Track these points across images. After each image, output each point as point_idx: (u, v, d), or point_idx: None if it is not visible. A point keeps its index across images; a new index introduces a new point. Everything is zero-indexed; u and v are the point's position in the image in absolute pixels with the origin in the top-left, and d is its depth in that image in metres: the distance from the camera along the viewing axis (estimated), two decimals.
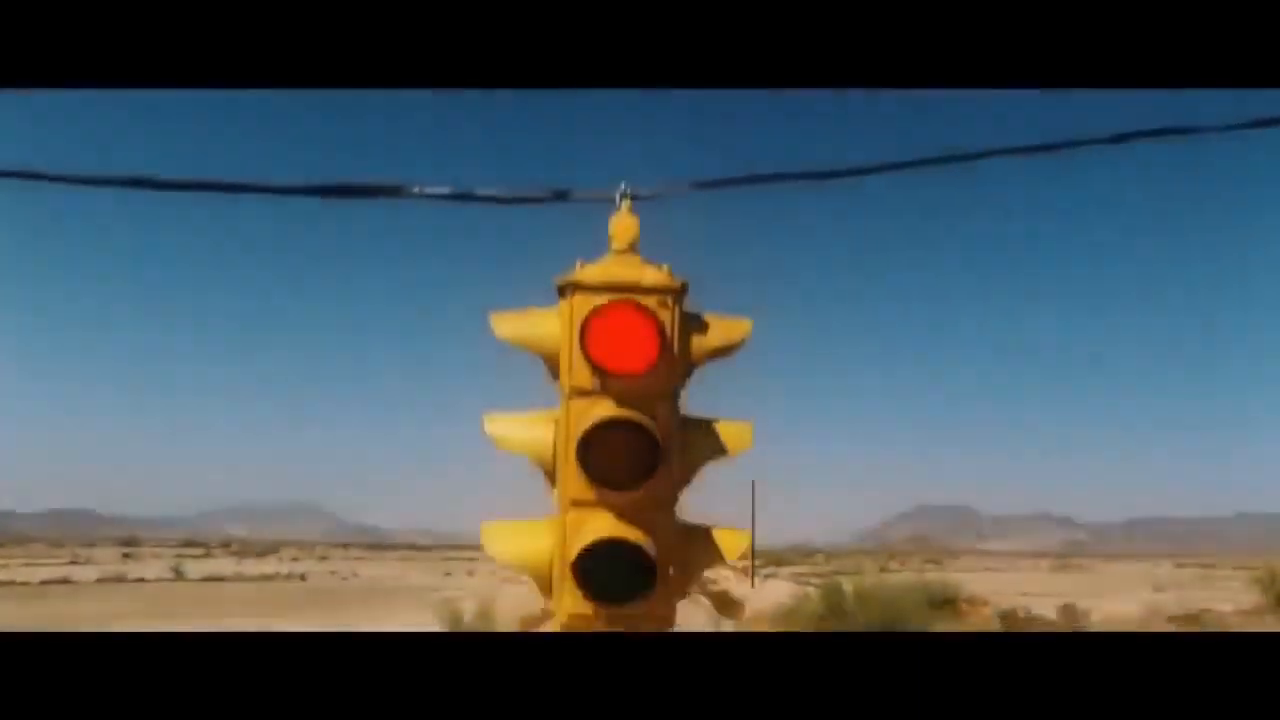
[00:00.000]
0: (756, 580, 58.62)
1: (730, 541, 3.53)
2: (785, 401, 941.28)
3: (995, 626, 26.73)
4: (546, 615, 3.49)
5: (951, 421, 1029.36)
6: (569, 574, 3.23)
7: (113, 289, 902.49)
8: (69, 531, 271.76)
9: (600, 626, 3.27)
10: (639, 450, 3.18)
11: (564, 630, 3.32)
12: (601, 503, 3.28)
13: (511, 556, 3.50)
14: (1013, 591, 35.83)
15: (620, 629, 3.27)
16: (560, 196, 3.78)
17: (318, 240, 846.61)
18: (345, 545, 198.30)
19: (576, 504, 3.30)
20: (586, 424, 3.21)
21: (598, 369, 3.25)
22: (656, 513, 3.34)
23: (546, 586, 3.39)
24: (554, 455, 3.38)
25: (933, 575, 39.73)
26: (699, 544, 3.48)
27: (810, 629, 19.73)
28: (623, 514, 3.28)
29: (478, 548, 3.69)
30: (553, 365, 3.43)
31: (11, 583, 48.16)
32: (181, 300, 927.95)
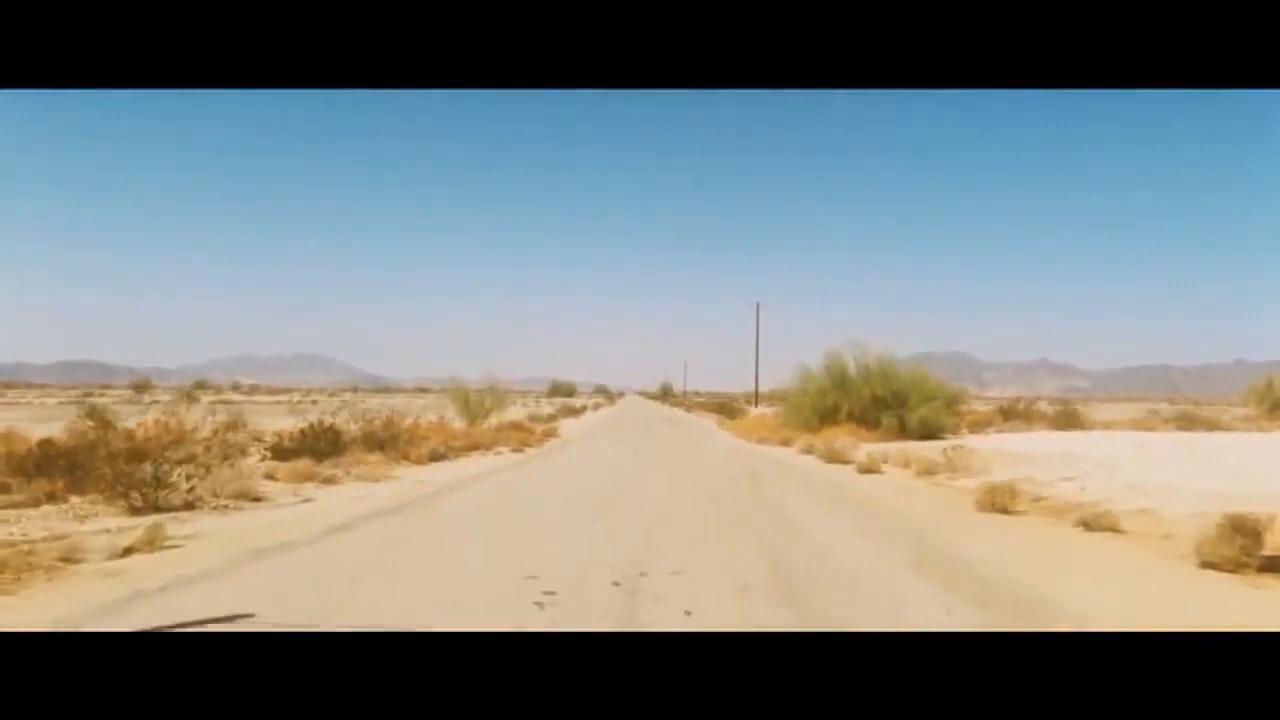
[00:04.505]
0: (761, 407, 60.66)
1: None
2: (785, 251, 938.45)
3: (995, 421, 27.26)
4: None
5: (952, 270, 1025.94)
6: None
7: (119, 148, 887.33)
8: (80, 379, 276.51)
9: None
10: None
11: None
12: None
13: None
14: None
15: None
16: None
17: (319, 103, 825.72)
18: (354, 389, 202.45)
19: None
20: None
21: None
22: None
23: None
24: None
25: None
26: None
27: (814, 405, 20.10)
28: None
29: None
30: None
31: (29, 403, 49.36)
32: (188, 161, 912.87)
